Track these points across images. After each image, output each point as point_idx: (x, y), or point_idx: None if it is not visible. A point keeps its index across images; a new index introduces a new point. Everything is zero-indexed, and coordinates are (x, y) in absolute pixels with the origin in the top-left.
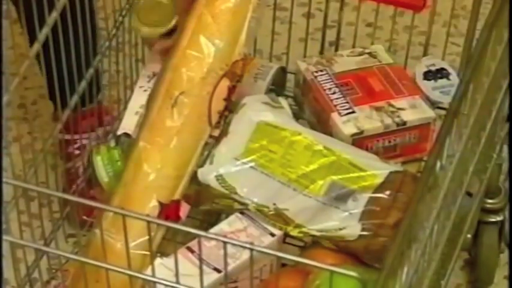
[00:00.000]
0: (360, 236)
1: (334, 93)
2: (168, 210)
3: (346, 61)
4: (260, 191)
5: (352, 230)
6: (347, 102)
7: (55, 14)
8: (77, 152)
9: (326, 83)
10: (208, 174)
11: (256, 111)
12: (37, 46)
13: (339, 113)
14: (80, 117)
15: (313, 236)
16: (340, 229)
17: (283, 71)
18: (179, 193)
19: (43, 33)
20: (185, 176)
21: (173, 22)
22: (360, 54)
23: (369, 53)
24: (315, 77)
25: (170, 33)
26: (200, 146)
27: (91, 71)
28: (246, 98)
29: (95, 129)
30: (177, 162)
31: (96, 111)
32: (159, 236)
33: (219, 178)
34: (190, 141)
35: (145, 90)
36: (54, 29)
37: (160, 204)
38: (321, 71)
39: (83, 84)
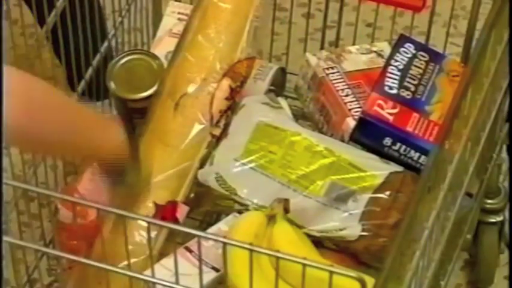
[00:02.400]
0: (361, 236)
1: (347, 95)
2: (164, 212)
3: (355, 59)
4: (260, 192)
5: (353, 230)
6: (360, 107)
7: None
8: None
9: (338, 82)
10: (208, 175)
11: (255, 112)
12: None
13: (354, 118)
14: None
15: (314, 236)
16: (341, 229)
17: (282, 71)
18: (182, 194)
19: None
20: (188, 177)
21: (151, 90)
22: (368, 53)
23: (376, 52)
24: (327, 74)
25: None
26: (202, 146)
27: (90, 70)
28: (245, 98)
29: None
30: (180, 162)
31: None
32: (160, 240)
33: (219, 179)
34: (193, 141)
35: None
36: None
37: (156, 205)
38: (332, 68)
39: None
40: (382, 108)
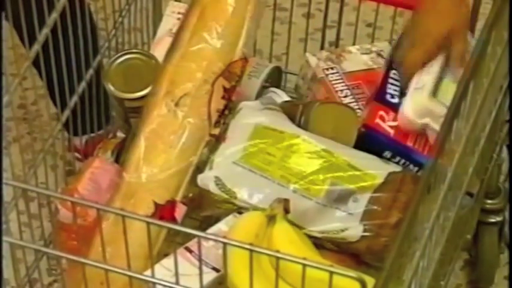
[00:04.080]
0: (362, 237)
1: (346, 96)
2: (163, 211)
3: (355, 59)
4: (260, 194)
5: (354, 231)
6: (359, 109)
7: (46, 30)
8: None
9: (337, 83)
10: (207, 180)
11: (253, 115)
12: (36, 48)
13: None
14: (92, 143)
15: (314, 237)
16: (342, 230)
17: (278, 70)
18: (181, 193)
19: (39, 43)
20: (187, 176)
21: (146, 90)
22: (368, 53)
23: (376, 52)
24: (326, 75)
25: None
26: (201, 145)
27: (91, 71)
28: (243, 103)
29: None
30: (179, 162)
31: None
32: (161, 239)
33: (219, 183)
34: (192, 140)
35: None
36: (50, 36)
37: (155, 205)
38: (332, 68)
39: (83, 84)
40: (383, 120)
